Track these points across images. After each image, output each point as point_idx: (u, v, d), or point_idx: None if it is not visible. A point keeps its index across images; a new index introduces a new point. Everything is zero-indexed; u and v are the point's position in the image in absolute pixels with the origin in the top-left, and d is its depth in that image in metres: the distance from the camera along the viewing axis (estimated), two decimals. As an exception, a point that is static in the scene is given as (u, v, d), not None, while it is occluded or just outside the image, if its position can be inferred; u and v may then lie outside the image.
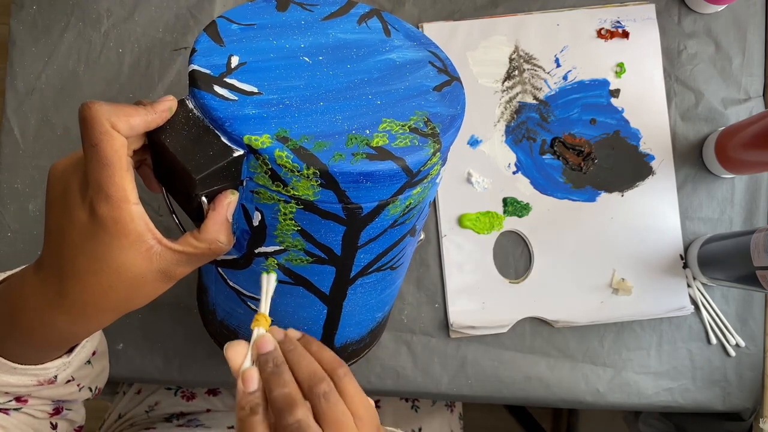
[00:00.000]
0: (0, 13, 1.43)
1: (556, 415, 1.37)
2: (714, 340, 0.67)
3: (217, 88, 0.36)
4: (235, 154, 0.34)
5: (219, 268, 0.45)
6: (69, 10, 0.69)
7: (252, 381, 0.35)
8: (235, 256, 0.42)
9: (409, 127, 0.38)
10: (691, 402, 0.67)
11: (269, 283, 0.41)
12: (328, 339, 0.51)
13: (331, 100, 0.38)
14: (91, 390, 0.49)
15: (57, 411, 0.48)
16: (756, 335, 0.68)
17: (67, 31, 0.69)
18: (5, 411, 0.43)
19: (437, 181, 0.42)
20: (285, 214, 0.37)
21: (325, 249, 0.40)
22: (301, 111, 0.36)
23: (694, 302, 0.67)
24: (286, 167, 0.34)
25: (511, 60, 0.69)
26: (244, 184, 0.37)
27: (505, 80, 0.69)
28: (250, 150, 0.34)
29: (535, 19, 0.70)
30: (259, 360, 0.36)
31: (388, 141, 0.36)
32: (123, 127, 0.32)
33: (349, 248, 0.41)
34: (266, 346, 0.36)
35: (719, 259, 0.63)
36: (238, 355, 0.36)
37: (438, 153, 0.38)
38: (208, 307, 0.53)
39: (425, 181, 0.39)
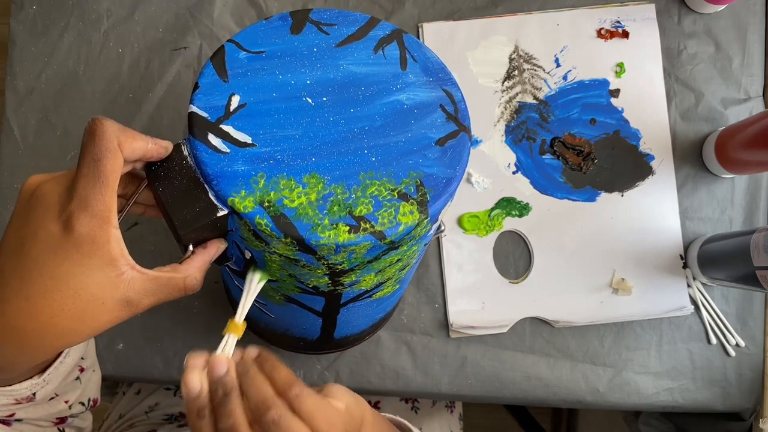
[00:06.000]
0: (0, 14, 1.43)
1: (556, 415, 1.37)
2: (714, 340, 0.67)
3: (212, 138, 0.36)
4: (220, 214, 0.35)
5: (227, 269, 0.46)
6: (69, 10, 0.69)
7: (194, 386, 0.34)
8: (237, 269, 0.43)
9: (398, 192, 0.37)
10: (691, 402, 0.67)
11: (252, 284, 0.39)
12: (327, 335, 0.51)
13: (323, 155, 0.37)
14: (83, 404, 0.48)
15: (62, 419, 0.47)
16: (756, 335, 0.68)
17: (67, 31, 0.69)
18: (7, 422, 0.42)
19: (430, 234, 0.41)
20: (272, 260, 0.38)
21: (312, 287, 0.41)
22: (291, 169, 0.36)
23: (694, 302, 0.67)
24: (265, 233, 0.35)
25: (511, 60, 0.69)
26: (233, 231, 0.37)
27: (505, 80, 0.69)
28: (233, 212, 0.35)
29: (535, 19, 0.70)
30: (210, 386, 0.35)
31: (372, 209, 0.36)
32: (126, 148, 0.32)
33: (335, 287, 0.41)
34: (218, 370, 0.35)
35: (719, 259, 0.63)
36: (197, 367, 0.35)
37: (424, 222, 0.37)
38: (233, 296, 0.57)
39: (411, 242, 0.38)
